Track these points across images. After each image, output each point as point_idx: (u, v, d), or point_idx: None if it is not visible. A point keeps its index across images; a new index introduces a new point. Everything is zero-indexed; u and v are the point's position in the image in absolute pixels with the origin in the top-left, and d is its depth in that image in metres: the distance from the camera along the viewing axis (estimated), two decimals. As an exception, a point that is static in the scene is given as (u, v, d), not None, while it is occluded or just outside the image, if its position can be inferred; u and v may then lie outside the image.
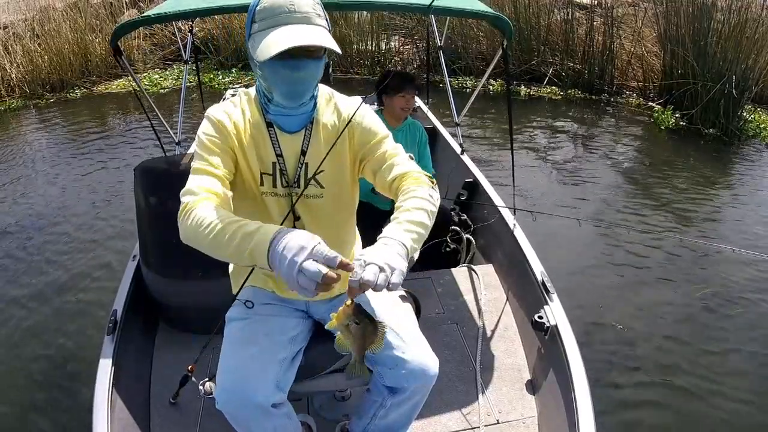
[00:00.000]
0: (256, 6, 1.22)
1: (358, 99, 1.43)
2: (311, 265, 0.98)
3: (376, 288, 1.02)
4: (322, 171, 1.38)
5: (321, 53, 1.24)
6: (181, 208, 1.19)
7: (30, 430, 2.36)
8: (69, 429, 2.33)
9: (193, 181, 1.24)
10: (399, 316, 1.51)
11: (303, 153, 1.36)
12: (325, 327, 1.12)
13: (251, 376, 1.31)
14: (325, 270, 0.98)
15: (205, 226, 1.12)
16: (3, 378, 2.63)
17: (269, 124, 1.34)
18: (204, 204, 1.17)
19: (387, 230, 1.14)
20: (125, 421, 1.78)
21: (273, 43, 1.16)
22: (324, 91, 1.41)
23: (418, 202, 1.21)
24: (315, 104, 1.37)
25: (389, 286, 1.04)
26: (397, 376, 1.41)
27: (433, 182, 1.31)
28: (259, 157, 1.34)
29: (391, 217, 1.20)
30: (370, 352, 1.16)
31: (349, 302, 1.09)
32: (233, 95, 1.99)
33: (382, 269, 1.03)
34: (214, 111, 1.34)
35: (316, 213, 1.42)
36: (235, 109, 1.35)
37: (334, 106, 1.41)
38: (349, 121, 1.37)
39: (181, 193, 1.23)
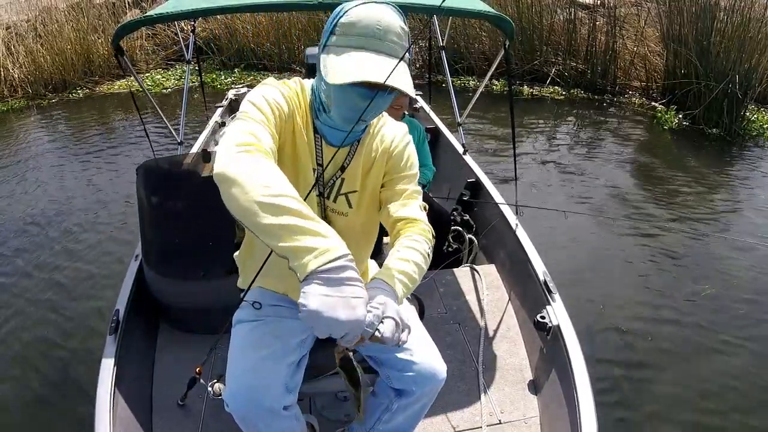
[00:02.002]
0: (340, 17, 1.12)
1: (402, 125, 1.41)
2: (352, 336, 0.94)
3: (388, 344, 1.00)
4: (355, 191, 1.35)
5: (394, 90, 1.14)
6: (240, 141, 1.02)
7: (33, 430, 2.36)
8: (71, 429, 2.34)
9: (253, 126, 1.08)
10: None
11: (342, 169, 1.32)
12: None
13: (262, 378, 1.30)
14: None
15: (265, 177, 0.94)
16: (5, 378, 2.63)
17: (315, 130, 1.28)
18: (262, 158, 1.00)
19: (385, 275, 1.13)
20: (127, 421, 1.78)
21: (352, 67, 1.06)
22: None
23: (418, 257, 1.21)
24: (365, 126, 1.32)
25: (398, 343, 1.03)
26: (405, 378, 1.40)
27: (433, 239, 1.30)
28: (302, 155, 1.28)
29: (388, 260, 1.20)
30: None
31: (340, 350, 1.04)
32: (236, 96, 1.95)
33: (397, 325, 1.02)
34: (274, 81, 1.23)
35: (339, 228, 1.40)
36: (292, 93, 1.24)
37: (380, 129, 1.37)
38: (360, 117, 1.29)
39: (232, 130, 1.07)
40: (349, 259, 0.92)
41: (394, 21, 1.11)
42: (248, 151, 1.00)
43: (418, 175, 1.41)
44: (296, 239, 0.90)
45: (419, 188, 1.38)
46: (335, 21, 1.12)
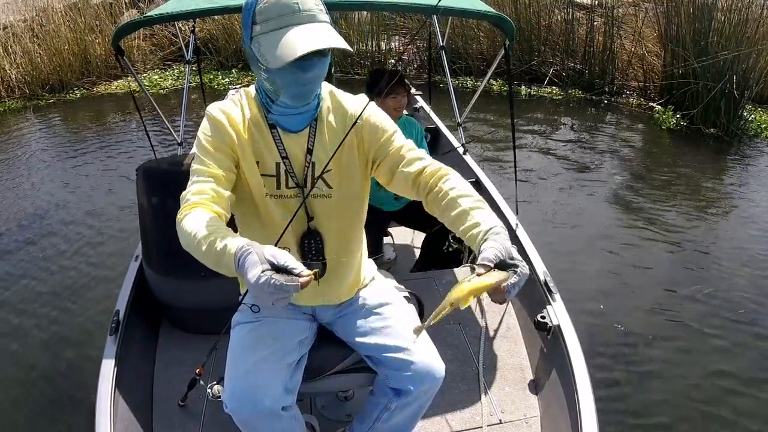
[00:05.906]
0: (255, 6, 1.16)
1: (362, 96, 1.40)
2: (276, 289, 0.99)
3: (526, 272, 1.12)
4: (329, 170, 1.33)
5: (328, 51, 1.19)
6: (183, 206, 1.19)
7: (33, 430, 2.36)
8: (72, 429, 2.33)
9: (189, 186, 1.23)
10: (404, 318, 1.51)
11: (309, 152, 1.32)
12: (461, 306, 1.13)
13: (261, 380, 1.30)
14: (293, 284, 1.00)
15: (192, 237, 1.12)
16: (5, 378, 2.62)
17: (272, 126, 1.30)
18: (194, 212, 1.16)
19: (489, 222, 1.17)
20: (128, 421, 1.78)
21: (288, 47, 1.11)
22: (324, 87, 1.36)
23: (471, 189, 1.25)
24: (318, 102, 1.32)
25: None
26: (403, 378, 1.40)
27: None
28: (261, 158, 1.30)
29: (462, 209, 1.19)
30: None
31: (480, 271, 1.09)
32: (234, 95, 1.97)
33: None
34: (213, 109, 1.29)
35: (325, 213, 1.39)
36: (235, 108, 1.30)
37: (337, 103, 1.36)
38: (357, 120, 1.32)
39: (182, 195, 1.22)
40: (242, 249, 1.05)
41: None
42: (180, 220, 1.17)
43: (399, 129, 1.38)
44: (225, 264, 1.08)
45: (408, 140, 1.37)
46: (252, 11, 1.17)
